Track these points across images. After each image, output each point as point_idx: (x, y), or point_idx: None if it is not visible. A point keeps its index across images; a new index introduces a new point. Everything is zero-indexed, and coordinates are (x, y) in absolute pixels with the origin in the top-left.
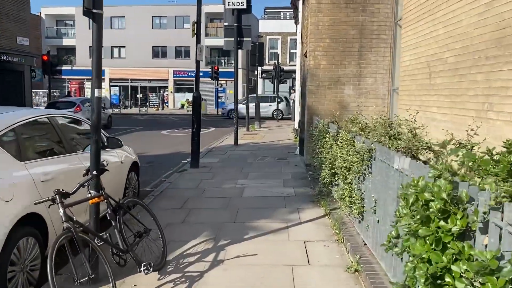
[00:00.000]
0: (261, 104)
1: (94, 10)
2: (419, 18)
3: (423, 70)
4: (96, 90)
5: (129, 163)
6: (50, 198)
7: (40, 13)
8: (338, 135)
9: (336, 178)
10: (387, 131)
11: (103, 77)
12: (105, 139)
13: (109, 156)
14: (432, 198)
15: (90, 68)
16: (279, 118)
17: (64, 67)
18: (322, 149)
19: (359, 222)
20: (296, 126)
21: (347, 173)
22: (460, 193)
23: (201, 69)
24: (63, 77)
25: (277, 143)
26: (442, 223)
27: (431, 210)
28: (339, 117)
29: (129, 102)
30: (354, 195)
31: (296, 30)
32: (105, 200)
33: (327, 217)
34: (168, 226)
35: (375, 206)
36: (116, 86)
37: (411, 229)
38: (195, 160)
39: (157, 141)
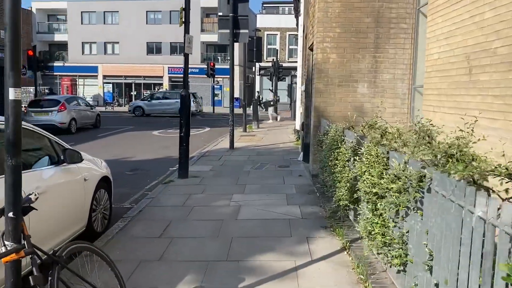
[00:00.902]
0: (167, 101)
1: None
2: (453, 1)
3: (459, 64)
4: (11, 90)
5: (96, 180)
6: None
7: (31, 7)
8: (361, 148)
9: (361, 207)
10: (445, 149)
11: (95, 74)
12: (62, 152)
13: (66, 174)
14: None
15: (83, 65)
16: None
17: (56, 64)
18: (336, 161)
19: (398, 272)
20: (297, 127)
21: (377, 202)
22: None
23: (197, 66)
24: (55, 73)
25: (277, 147)
26: None
27: None
28: (354, 121)
29: (123, 99)
30: (390, 235)
31: (297, 24)
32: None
33: (346, 252)
34: (140, 265)
35: (431, 260)
36: (109, 83)
37: None
38: (184, 169)
39: (146, 143)
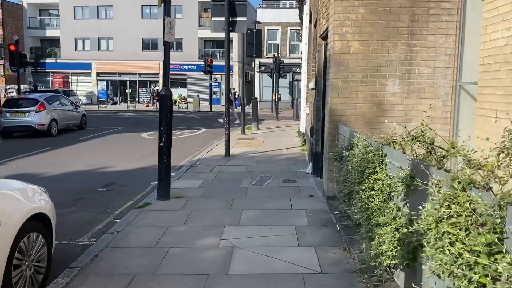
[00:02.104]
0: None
1: None
2: None
3: None
4: None
5: (19, 221)
6: None
7: (22, 1)
8: (428, 183)
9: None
10: None
11: (89, 71)
12: None
13: None
14: None
15: (76, 61)
16: None
17: (48, 60)
18: (373, 192)
19: None
20: (302, 129)
21: None
22: None
23: (194, 62)
24: (47, 70)
25: (280, 154)
26: None
27: None
28: (391, 129)
29: (117, 97)
30: None
31: (300, 17)
32: None
33: None
34: None
35: None
36: (103, 80)
37: None
38: (164, 188)
39: (131, 147)
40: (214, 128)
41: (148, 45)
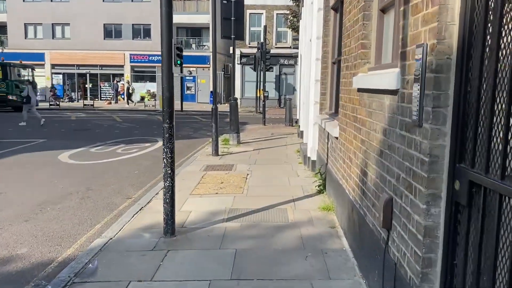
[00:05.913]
0: None
1: None
2: None
3: None
4: None
5: None
6: None
7: None
8: None
9: None
10: None
11: (42, 62)
12: None
13: None
14: None
15: (27, 51)
16: None
17: None
18: None
19: None
20: (310, 153)
21: None
22: None
23: None
24: None
25: (283, 222)
26: None
27: None
28: None
29: (76, 93)
30: None
31: None
32: None
33: None
34: None
35: None
36: (59, 73)
37: None
38: None
39: (23, 189)
40: (179, 138)
41: (111, 32)
